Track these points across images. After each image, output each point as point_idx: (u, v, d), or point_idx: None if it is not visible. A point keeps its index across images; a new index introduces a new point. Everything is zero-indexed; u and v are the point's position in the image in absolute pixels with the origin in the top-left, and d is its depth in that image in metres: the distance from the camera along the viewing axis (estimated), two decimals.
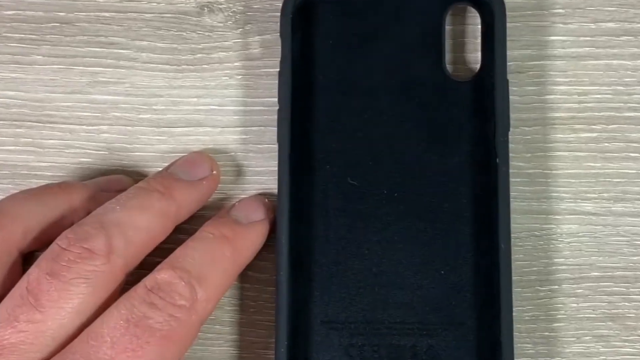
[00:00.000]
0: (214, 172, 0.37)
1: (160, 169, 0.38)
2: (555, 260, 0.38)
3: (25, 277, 0.32)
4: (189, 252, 0.34)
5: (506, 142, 0.36)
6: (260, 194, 0.38)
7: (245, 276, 0.38)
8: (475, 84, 0.37)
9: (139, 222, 0.34)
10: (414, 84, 0.37)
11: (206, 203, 0.38)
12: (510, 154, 0.36)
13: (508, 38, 0.36)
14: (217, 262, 0.34)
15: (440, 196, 0.36)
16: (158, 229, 0.35)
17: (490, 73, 0.36)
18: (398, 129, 0.37)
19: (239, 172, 0.39)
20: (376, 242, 0.36)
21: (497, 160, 0.36)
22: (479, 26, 0.37)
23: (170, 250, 0.35)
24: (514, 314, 0.34)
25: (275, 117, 0.37)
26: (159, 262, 0.34)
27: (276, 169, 0.36)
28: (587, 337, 0.37)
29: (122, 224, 0.33)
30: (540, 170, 0.38)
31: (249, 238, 0.36)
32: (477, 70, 0.37)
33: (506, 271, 0.35)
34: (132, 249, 0.33)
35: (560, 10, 0.38)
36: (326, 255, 0.36)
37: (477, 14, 0.37)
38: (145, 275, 0.34)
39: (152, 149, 0.39)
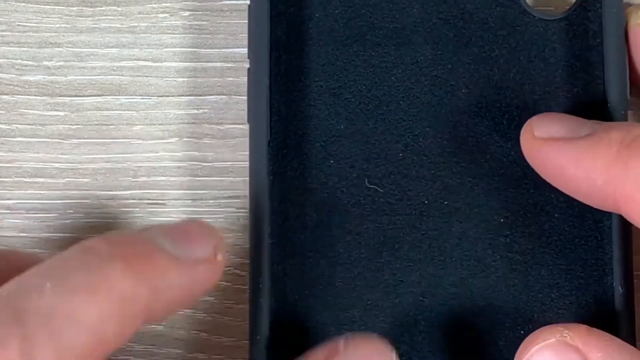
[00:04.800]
0: (219, 257, 0.32)
1: (127, 228, 0.36)
2: None
3: None
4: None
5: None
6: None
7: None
8: (571, 22, 0.33)
9: (83, 314, 0.28)
10: (475, 23, 0.33)
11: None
12: None
13: None
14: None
15: (516, 208, 0.33)
16: (114, 328, 0.29)
17: (594, 3, 0.33)
18: (448, 100, 0.33)
19: (185, 170, 0.35)
20: (416, 286, 0.32)
21: None
22: None
23: None
24: None
25: (245, 79, 0.33)
26: None
27: (247, 165, 0.33)
28: None
29: (53, 318, 0.28)
30: None
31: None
32: (573, 1, 0.34)
33: (626, 330, 0.31)
34: None
35: None
36: (337, 318, 0.31)
37: None
38: None
39: (43, 131, 0.35)
